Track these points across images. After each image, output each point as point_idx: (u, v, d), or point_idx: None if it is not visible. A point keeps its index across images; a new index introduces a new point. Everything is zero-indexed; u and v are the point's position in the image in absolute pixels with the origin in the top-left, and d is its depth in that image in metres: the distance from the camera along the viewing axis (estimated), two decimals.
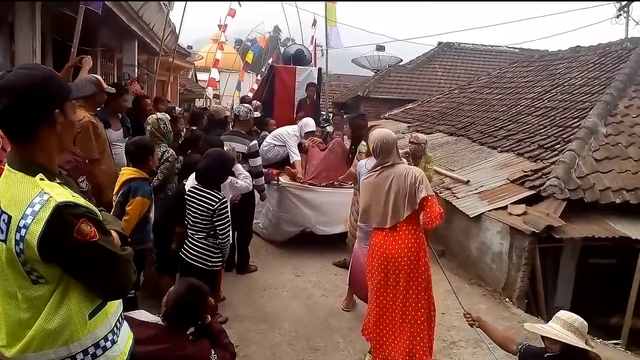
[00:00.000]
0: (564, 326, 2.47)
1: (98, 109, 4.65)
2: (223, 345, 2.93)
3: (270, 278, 5.78)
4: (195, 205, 3.97)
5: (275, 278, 5.80)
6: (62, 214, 1.50)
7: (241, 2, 15.77)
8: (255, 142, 5.63)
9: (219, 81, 19.91)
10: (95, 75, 4.47)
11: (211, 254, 4.01)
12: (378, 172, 3.76)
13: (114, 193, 3.75)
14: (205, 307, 2.86)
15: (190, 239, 4.04)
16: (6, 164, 1.62)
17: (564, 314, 2.54)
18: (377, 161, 3.81)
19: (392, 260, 3.65)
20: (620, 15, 13.03)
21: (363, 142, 5.77)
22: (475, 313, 3.26)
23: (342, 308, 5.17)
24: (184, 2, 11.38)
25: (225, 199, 4.01)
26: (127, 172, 3.75)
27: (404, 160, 3.95)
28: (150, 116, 4.95)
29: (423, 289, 3.64)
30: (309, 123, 7.27)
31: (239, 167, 4.86)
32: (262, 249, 6.69)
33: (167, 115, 5.13)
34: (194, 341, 2.78)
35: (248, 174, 4.91)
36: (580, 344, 2.42)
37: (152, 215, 3.78)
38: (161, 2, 10.34)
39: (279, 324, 4.71)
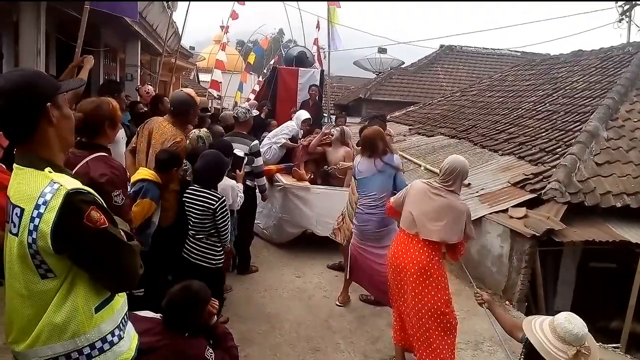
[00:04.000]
0: (554, 334, 2.32)
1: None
2: (226, 349, 2.95)
3: (271, 279, 5.80)
4: (195, 206, 3.99)
5: (276, 279, 5.82)
6: (73, 201, 1.54)
7: (244, 2, 15.74)
8: (256, 142, 5.65)
9: (221, 82, 19.91)
10: (189, 92, 4.41)
11: (214, 253, 4.04)
12: (437, 188, 3.73)
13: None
14: (202, 312, 2.87)
15: (192, 240, 4.05)
16: (15, 164, 1.66)
17: (560, 324, 2.34)
18: (440, 180, 3.78)
19: (400, 270, 3.73)
20: (622, 19, 13.04)
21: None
22: (486, 294, 3.23)
23: (337, 304, 5.22)
24: (187, 3, 11.42)
25: (224, 198, 4.03)
26: (143, 172, 3.75)
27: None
28: (193, 131, 4.90)
29: (436, 309, 3.61)
30: (302, 112, 7.54)
31: (236, 187, 4.81)
32: (263, 249, 6.71)
33: (207, 132, 5.06)
34: (190, 338, 2.80)
35: (242, 195, 4.86)
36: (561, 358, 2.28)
37: (155, 220, 3.78)
38: (164, 3, 10.37)
39: (280, 324, 4.73)
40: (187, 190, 4.07)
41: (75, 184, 1.59)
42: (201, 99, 7.40)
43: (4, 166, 2.95)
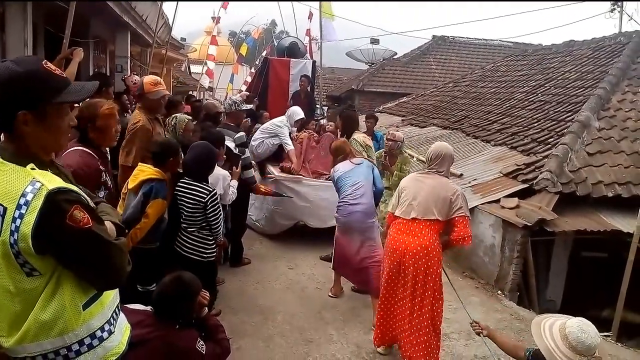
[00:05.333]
0: (564, 342, 2.23)
1: None
2: (217, 341, 2.94)
3: (264, 271, 5.79)
4: (186, 199, 3.95)
5: (269, 271, 5.81)
6: (55, 200, 1.49)
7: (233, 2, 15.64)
8: (241, 134, 5.57)
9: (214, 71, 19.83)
10: (145, 78, 4.46)
11: (206, 246, 4.02)
12: (425, 173, 3.93)
13: (128, 188, 3.69)
14: (193, 303, 2.86)
15: (183, 233, 4.02)
16: None
17: (572, 332, 2.22)
18: (428, 167, 3.96)
19: (404, 255, 3.72)
20: (614, 9, 13.08)
21: (355, 135, 5.82)
22: (484, 323, 3.22)
23: (330, 295, 5.24)
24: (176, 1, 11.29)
25: (215, 191, 4.00)
26: (147, 171, 3.65)
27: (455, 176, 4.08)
28: (179, 115, 4.89)
29: (429, 295, 3.70)
30: (296, 111, 7.26)
31: (228, 178, 4.77)
32: (255, 241, 6.69)
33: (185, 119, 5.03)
34: (180, 330, 2.79)
35: (235, 192, 4.84)
36: None
37: (166, 216, 3.75)
38: None
39: (273, 316, 4.72)
40: (179, 183, 4.02)
41: (57, 182, 1.55)
42: (208, 102, 7.12)
43: None
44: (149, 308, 2.82)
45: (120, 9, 8.49)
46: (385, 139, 6.60)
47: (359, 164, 4.93)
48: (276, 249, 6.54)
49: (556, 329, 2.28)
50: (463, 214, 3.70)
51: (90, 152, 3.17)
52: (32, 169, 1.55)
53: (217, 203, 3.98)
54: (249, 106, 7.02)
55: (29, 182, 1.51)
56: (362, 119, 7.90)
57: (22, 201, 1.49)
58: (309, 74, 10.01)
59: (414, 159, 8.84)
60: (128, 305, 2.67)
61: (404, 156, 6.47)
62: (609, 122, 7.42)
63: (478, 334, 3.17)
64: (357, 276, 4.90)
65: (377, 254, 4.71)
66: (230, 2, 15.93)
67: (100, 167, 3.23)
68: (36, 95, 1.56)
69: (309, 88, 9.72)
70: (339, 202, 4.90)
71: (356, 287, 5.29)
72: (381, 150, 6.62)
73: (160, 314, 2.76)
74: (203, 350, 2.79)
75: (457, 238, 3.69)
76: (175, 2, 11.48)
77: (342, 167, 4.96)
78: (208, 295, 3.02)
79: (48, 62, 1.62)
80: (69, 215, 1.51)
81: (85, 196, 1.65)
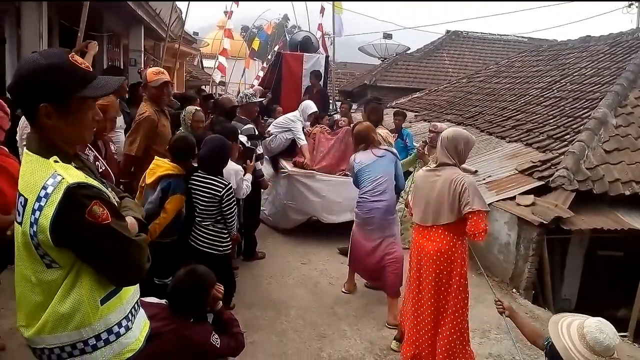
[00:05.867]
0: (582, 342, 2.17)
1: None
2: (232, 334, 2.94)
3: (276, 265, 5.79)
4: (201, 193, 3.94)
5: (281, 265, 5.80)
6: (74, 195, 1.49)
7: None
8: (249, 126, 5.57)
9: (226, 67, 19.82)
10: (149, 70, 4.56)
11: (221, 239, 4.00)
12: (432, 169, 3.68)
13: (145, 183, 3.70)
14: (208, 296, 2.86)
15: (198, 226, 4.01)
16: (25, 148, 1.63)
17: (590, 332, 2.17)
18: (437, 157, 3.70)
19: (425, 257, 3.60)
20: (631, 4, 12.86)
21: (379, 129, 5.75)
22: (507, 302, 3.13)
23: (343, 291, 5.21)
24: None
25: (230, 184, 3.99)
26: (164, 167, 3.66)
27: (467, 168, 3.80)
28: (188, 107, 4.98)
29: (453, 297, 3.55)
30: (309, 105, 7.18)
31: (240, 172, 4.73)
32: (268, 236, 6.69)
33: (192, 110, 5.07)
34: (195, 323, 2.79)
35: (250, 186, 4.79)
36: None
37: (184, 210, 3.77)
38: None
39: (286, 311, 4.72)
40: (193, 177, 4.01)
41: (78, 176, 1.54)
42: (223, 97, 7.04)
43: (6, 149, 2.93)
44: (163, 301, 2.83)
45: (134, 2, 8.52)
46: (428, 130, 6.51)
47: (381, 157, 4.70)
48: (289, 244, 6.54)
49: (574, 328, 2.23)
50: (470, 209, 3.38)
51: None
52: (55, 161, 1.54)
53: (233, 196, 3.98)
54: (261, 99, 7.01)
55: (50, 175, 1.51)
56: (389, 115, 7.85)
57: (42, 193, 1.49)
58: (322, 68, 9.96)
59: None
60: (143, 299, 2.68)
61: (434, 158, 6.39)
62: (626, 119, 7.31)
63: (501, 313, 3.09)
64: (373, 274, 4.83)
65: (396, 250, 4.66)
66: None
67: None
68: (59, 88, 1.54)
69: (321, 83, 9.68)
70: (359, 197, 4.78)
71: (369, 284, 5.26)
72: (422, 141, 6.55)
73: (175, 307, 2.77)
74: (217, 344, 2.80)
75: (469, 233, 3.44)
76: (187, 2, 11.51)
77: (362, 159, 4.75)
78: (222, 288, 3.02)
79: (75, 56, 1.60)
80: (87, 210, 1.50)
81: (107, 192, 1.64)
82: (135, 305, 1.82)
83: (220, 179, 3.95)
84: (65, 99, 1.55)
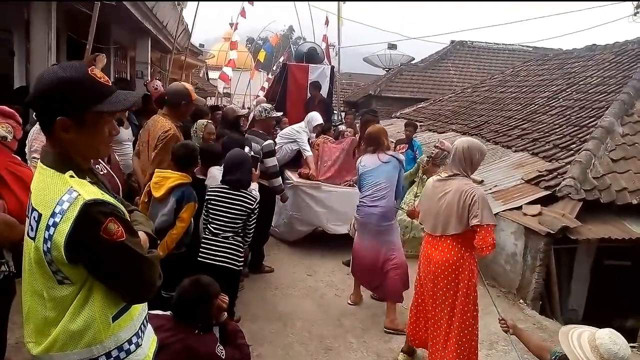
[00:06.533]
0: (595, 353, 2.17)
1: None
2: (237, 346, 2.94)
3: (282, 277, 5.77)
4: (228, 208, 3.94)
5: (287, 277, 5.79)
6: (90, 212, 1.47)
7: (252, 3, 15.67)
8: (269, 142, 5.55)
9: (230, 78, 19.92)
10: (186, 85, 4.41)
11: (239, 253, 4.00)
12: (443, 179, 3.68)
13: (154, 197, 3.71)
14: (212, 305, 2.86)
15: (214, 241, 3.96)
16: (39, 161, 1.62)
17: (604, 344, 2.16)
18: (448, 167, 3.72)
19: (433, 267, 3.60)
20: (637, 13, 12.83)
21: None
22: (511, 320, 3.13)
23: (349, 303, 5.20)
24: (197, 1, 11.38)
25: (258, 198, 4.04)
26: (173, 177, 3.67)
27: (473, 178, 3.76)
28: (199, 120, 4.92)
29: (460, 309, 3.54)
30: (315, 117, 7.20)
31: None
32: (274, 247, 6.68)
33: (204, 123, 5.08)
34: (200, 334, 2.79)
35: (258, 193, 4.76)
36: None
37: (192, 219, 3.77)
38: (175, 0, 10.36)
39: (292, 323, 4.70)
40: (215, 190, 4.02)
41: (94, 193, 1.53)
42: (228, 107, 6.94)
43: (19, 158, 2.96)
44: (168, 313, 2.83)
45: (141, 15, 8.59)
46: (435, 146, 6.54)
47: (385, 162, 4.70)
48: (294, 255, 6.53)
49: (585, 339, 2.22)
50: (478, 222, 3.38)
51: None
52: (71, 176, 1.53)
53: (258, 210, 4.03)
54: (279, 114, 7.02)
55: (66, 191, 1.50)
56: (394, 125, 7.86)
57: (57, 209, 1.47)
58: (327, 79, 10.00)
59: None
60: (150, 311, 2.68)
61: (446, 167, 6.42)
62: (633, 127, 7.28)
63: (505, 331, 3.09)
64: (375, 281, 4.83)
65: (396, 256, 4.67)
66: (248, 9, 15.99)
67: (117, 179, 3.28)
68: (77, 102, 1.54)
69: (323, 93, 9.69)
70: (358, 201, 4.84)
71: (375, 295, 5.24)
72: (424, 156, 6.60)
73: (180, 317, 2.77)
74: (223, 355, 2.80)
75: (476, 246, 3.44)
76: (195, 8, 11.59)
77: (367, 162, 4.78)
78: (227, 299, 3.02)
79: (95, 69, 1.59)
80: (103, 227, 1.49)
81: (121, 207, 1.63)
82: (144, 321, 1.80)
83: (250, 193, 3.99)
84: (83, 112, 1.55)
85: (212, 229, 3.98)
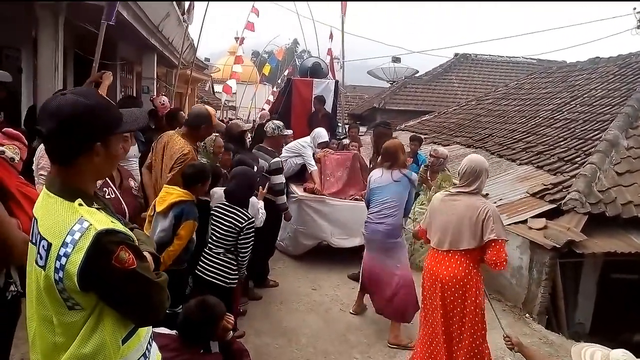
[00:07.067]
0: None
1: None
2: None
3: (287, 291, 5.77)
4: (221, 222, 3.98)
5: (292, 291, 5.79)
6: (102, 242, 1.48)
7: (258, 13, 15.82)
8: (277, 159, 5.57)
9: (235, 93, 20.07)
10: (209, 108, 4.46)
11: (229, 271, 4.00)
12: (452, 194, 3.69)
13: (155, 211, 3.74)
14: (217, 326, 2.86)
15: (208, 255, 4.03)
16: (44, 188, 1.63)
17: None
18: (460, 183, 3.71)
19: (440, 283, 3.58)
20: None
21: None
22: (515, 337, 3.10)
23: (351, 312, 5.23)
24: (202, 16, 11.48)
25: (253, 220, 4.03)
26: (175, 193, 3.69)
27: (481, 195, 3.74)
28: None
29: (469, 328, 3.51)
30: (321, 133, 7.24)
31: (257, 203, 4.74)
32: (279, 261, 6.68)
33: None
34: (205, 354, 2.80)
35: (264, 211, 4.78)
36: None
37: (194, 237, 3.77)
38: (181, 17, 10.47)
39: (297, 338, 4.68)
40: (216, 206, 4.08)
41: (105, 222, 1.54)
42: (232, 122, 6.97)
43: (23, 178, 2.99)
44: (174, 332, 2.83)
45: (147, 31, 8.70)
46: (428, 155, 6.58)
47: (396, 181, 4.69)
48: (299, 269, 6.52)
49: (598, 358, 2.19)
50: (495, 237, 3.40)
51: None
52: (80, 205, 1.54)
53: (252, 232, 4.01)
54: (290, 132, 7.04)
55: (76, 220, 1.50)
56: (399, 137, 7.88)
57: (68, 239, 1.48)
58: (332, 93, 10.05)
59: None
60: (154, 329, 2.69)
61: (445, 173, 6.45)
62: (638, 140, 7.28)
63: (510, 349, 3.07)
64: (382, 298, 4.82)
65: (401, 275, 4.65)
66: (254, 23, 16.13)
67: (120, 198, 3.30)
68: (106, 126, 1.59)
69: (326, 107, 9.74)
70: (366, 218, 4.87)
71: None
72: (423, 166, 6.63)
73: (186, 337, 2.78)
74: None
75: (490, 262, 3.45)
76: (201, 24, 11.70)
77: (379, 178, 4.78)
78: (232, 319, 3.03)
79: (98, 92, 1.65)
80: (114, 256, 1.50)
81: (131, 234, 1.64)
82: (150, 339, 1.81)
83: (244, 211, 4.00)
84: (110, 135, 1.60)
85: (209, 244, 4.05)
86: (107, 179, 3.48)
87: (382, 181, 4.75)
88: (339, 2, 12.05)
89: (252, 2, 15.74)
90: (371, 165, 6.62)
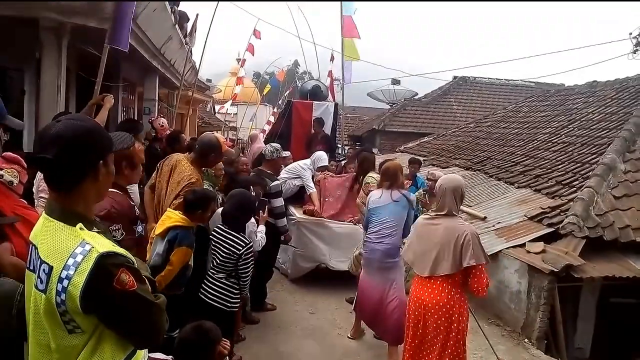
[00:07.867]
0: None
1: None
2: None
3: (285, 315, 5.74)
4: (221, 247, 3.99)
5: (289, 315, 5.76)
6: (104, 265, 1.51)
7: (260, 35, 16.00)
8: (277, 182, 5.62)
9: (235, 114, 20.26)
10: (219, 137, 4.51)
11: (231, 295, 4.00)
12: (431, 217, 3.73)
13: (155, 233, 3.75)
14: (213, 351, 2.85)
15: (210, 279, 4.02)
16: (44, 213, 1.64)
17: None
18: (436, 207, 3.75)
19: (424, 308, 3.61)
20: (637, 50, 13.00)
21: (371, 174, 5.91)
22: None
23: (349, 336, 5.21)
24: (204, 39, 11.61)
25: (251, 244, 4.04)
26: (174, 218, 3.69)
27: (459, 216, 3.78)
28: None
29: (451, 346, 3.55)
30: (321, 157, 7.29)
31: (254, 226, 4.75)
32: (277, 284, 6.66)
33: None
34: None
35: (264, 237, 4.80)
36: None
37: (191, 263, 3.75)
38: (183, 39, 10.60)
39: None
40: (215, 230, 4.09)
41: (106, 245, 1.56)
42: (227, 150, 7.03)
43: (25, 202, 3.02)
44: (169, 357, 2.82)
45: (149, 54, 8.80)
46: (425, 178, 6.62)
47: (396, 201, 4.72)
48: (297, 292, 6.50)
49: None
50: (474, 263, 3.43)
51: (117, 190, 3.19)
52: (81, 229, 1.57)
53: (251, 256, 4.03)
54: (287, 154, 7.11)
55: (78, 244, 1.53)
56: (398, 159, 7.94)
57: (70, 262, 1.50)
58: (331, 115, 10.15)
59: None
60: (150, 354, 2.68)
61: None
62: (635, 164, 7.32)
63: None
64: (375, 319, 4.81)
65: (397, 296, 4.65)
66: (255, 45, 16.32)
67: (131, 202, 3.26)
68: (105, 147, 1.67)
69: (324, 129, 9.82)
70: (365, 237, 4.89)
71: (378, 335, 5.21)
72: (421, 190, 6.67)
73: None
74: None
75: (472, 289, 3.50)
76: (203, 46, 11.82)
77: (378, 199, 4.81)
78: (228, 344, 3.01)
79: None
80: (115, 279, 1.52)
81: (131, 257, 1.65)
82: None
83: (242, 236, 4.01)
84: (108, 154, 1.68)
85: (211, 268, 4.06)
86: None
87: (382, 201, 4.78)
88: (339, 25, 12.18)
89: (254, 23, 15.94)
90: (356, 186, 6.72)
